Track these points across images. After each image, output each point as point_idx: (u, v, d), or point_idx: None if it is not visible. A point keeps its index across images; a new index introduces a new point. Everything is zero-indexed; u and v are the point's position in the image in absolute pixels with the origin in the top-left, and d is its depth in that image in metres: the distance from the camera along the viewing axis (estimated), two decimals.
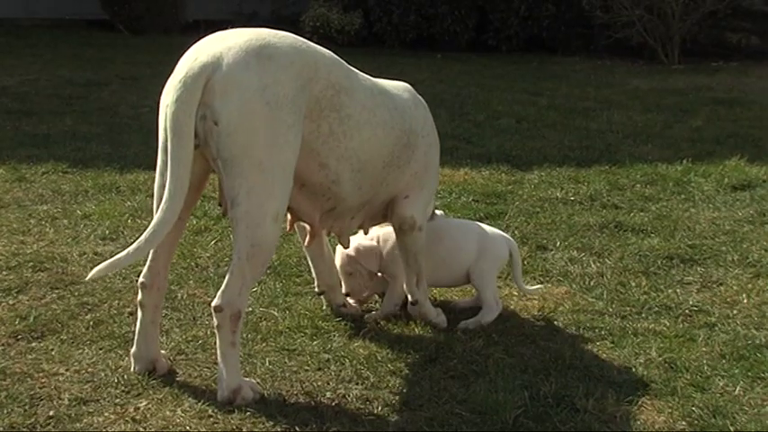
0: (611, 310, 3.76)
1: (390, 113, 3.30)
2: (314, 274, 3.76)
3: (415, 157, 3.44)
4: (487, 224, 4.83)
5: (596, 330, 3.56)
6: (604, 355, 3.35)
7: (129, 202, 5.09)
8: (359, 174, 3.21)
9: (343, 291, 3.72)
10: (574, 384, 3.07)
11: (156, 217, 2.87)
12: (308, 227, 3.54)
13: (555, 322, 3.64)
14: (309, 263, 3.77)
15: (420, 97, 3.57)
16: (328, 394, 3.02)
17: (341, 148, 3.11)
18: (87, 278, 3.04)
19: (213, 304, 2.93)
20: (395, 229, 3.55)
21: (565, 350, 3.35)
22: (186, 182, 2.86)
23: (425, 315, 3.59)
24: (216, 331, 2.94)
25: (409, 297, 3.63)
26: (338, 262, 3.71)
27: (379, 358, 3.29)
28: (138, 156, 6.06)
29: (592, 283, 4.05)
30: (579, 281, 4.09)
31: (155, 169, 3.03)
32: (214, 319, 2.94)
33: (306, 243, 3.68)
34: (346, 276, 3.69)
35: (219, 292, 2.94)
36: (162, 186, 2.90)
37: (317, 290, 3.76)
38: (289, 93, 2.90)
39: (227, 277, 2.96)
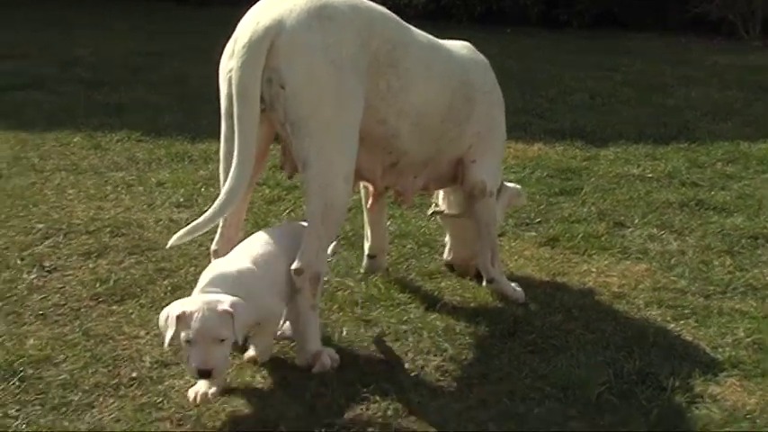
0: (693, 288, 3.69)
1: (446, 66, 3.30)
2: (367, 237, 3.79)
3: (475, 114, 3.42)
4: (563, 200, 4.82)
5: (679, 309, 3.49)
6: (689, 335, 3.29)
7: (201, 171, 5.15)
8: (417, 127, 3.21)
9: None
10: (658, 363, 3.02)
11: (227, 183, 2.90)
12: (370, 187, 3.56)
13: (635, 300, 3.59)
14: (366, 225, 3.79)
15: (481, 55, 3.55)
16: (407, 365, 3.02)
17: (399, 103, 3.11)
18: (168, 245, 3.09)
19: (293, 267, 2.96)
20: (467, 198, 3.54)
21: (647, 328, 3.30)
22: (254, 147, 2.88)
23: (503, 291, 3.57)
24: (297, 295, 2.96)
25: (484, 276, 3.61)
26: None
27: (457, 331, 3.28)
28: (210, 126, 6.07)
29: (673, 262, 3.98)
30: (659, 259, 4.02)
31: None
32: (294, 282, 2.96)
33: (368, 205, 3.70)
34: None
35: (298, 255, 2.97)
36: (228, 154, 2.93)
37: (367, 252, 3.79)
38: (351, 51, 2.92)
39: (303, 240, 3.00)
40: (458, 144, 3.43)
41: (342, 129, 2.93)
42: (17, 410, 2.65)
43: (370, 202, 3.71)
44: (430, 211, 3.96)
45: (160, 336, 3.13)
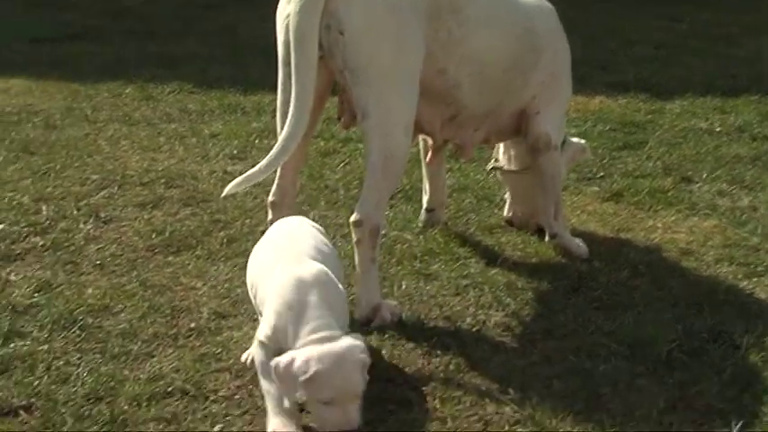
0: (767, 246, 3.60)
1: (510, 13, 3.23)
2: (426, 191, 3.76)
3: (540, 64, 3.35)
4: (626, 154, 4.72)
5: (751, 266, 3.41)
6: (762, 293, 3.21)
7: (254, 123, 5.15)
8: (479, 77, 3.15)
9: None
10: (730, 321, 2.95)
11: (284, 132, 2.88)
12: (429, 140, 3.52)
13: (705, 257, 3.51)
14: (425, 179, 3.76)
15: (546, 2, 3.47)
16: (468, 320, 3.00)
17: (460, 51, 3.06)
18: (223, 194, 3.09)
19: (352, 219, 2.94)
20: (530, 151, 3.48)
21: (718, 285, 3.23)
22: (312, 94, 2.84)
23: (566, 247, 3.51)
24: (355, 247, 2.95)
25: (547, 231, 3.56)
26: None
27: (519, 286, 3.24)
28: (262, 78, 6.09)
29: (744, 218, 3.88)
30: (729, 215, 3.92)
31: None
32: (353, 234, 2.94)
33: (427, 158, 3.67)
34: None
35: (357, 207, 2.95)
36: (285, 102, 2.91)
37: (425, 206, 3.76)
38: None
39: (362, 191, 2.98)
40: (521, 95, 3.36)
41: (402, 76, 2.89)
42: (78, 359, 2.69)
43: (428, 155, 3.67)
44: (489, 167, 3.90)
45: (218, 287, 3.17)
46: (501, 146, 3.74)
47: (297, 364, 2.25)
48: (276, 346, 2.37)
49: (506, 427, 2.39)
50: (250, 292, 2.67)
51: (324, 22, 2.81)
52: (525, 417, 2.43)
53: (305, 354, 2.26)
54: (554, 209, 3.50)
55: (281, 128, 2.92)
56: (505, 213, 3.81)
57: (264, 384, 2.37)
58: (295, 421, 2.32)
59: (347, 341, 2.31)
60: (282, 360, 2.27)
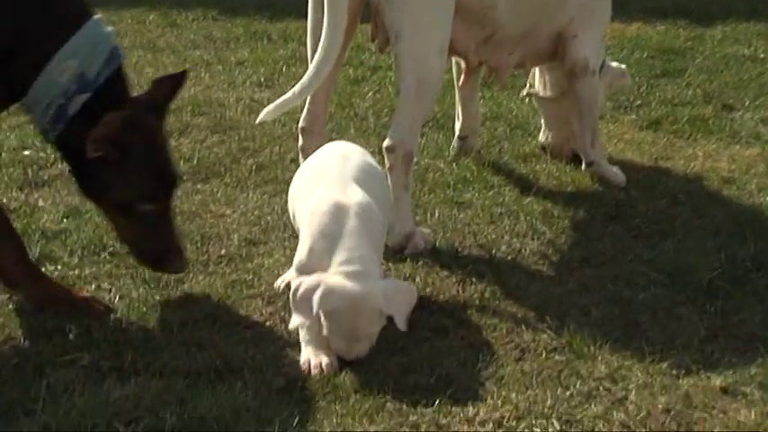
0: None
1: None
2: (458, 118, 3.72)
3: None
4: (665, 82, 4.64)
5: None
6: None
7: (281, 50, 5.10)
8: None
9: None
10: None
11: (317, 56, 2.85)
12: (462, 63, 3.46)
13: (747, 185, 3.45)
14: (458, 105, 3.72)
15: None
16: (503, 248, 2.98)
17: None
18: (257, 120, 3.11)
19: (385, 145, 2.91)
20: (567, 76, 3.42)
21: (761, 214, 3.19)
22: (344, 16, 2.81)
23: (603, 175, 3.47)
24: (388, 173, 2.92)
25: (583, 158, 3.51)
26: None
27: (555, 214, 3.21)
28: (287, 5, 6.02)
29: None
30: None
31: (305, 18, 3.02)
32: (386, 160, 2.92)
33: (460, 82, 3.61)
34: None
35: (390, 132, 2.93)
36: (316, 26, 2.87)
37: (458, 134, 3.72)
38: None
39: (395, 116, 2.96)
40: (558, 16, 3.29)
41: None
42: (109, 284, 2.70)
43: (462, 79, 3.61)
44: (524, 92, 3.84)
45: (248, 215, 3.17)
46: (536, 71, 3.67)
47: (318, 293, 2.25)
48: (309, 270, 2.37)
49: (543, 355, 2.38)
50: (290, 212, 2.67)
51: None
52: (562, 344, 2.42)
53: (329, 285, 2.26)
54: (591, 136, 3.44)
55: (313, 52, 2.88)
56: (540, 139, 3.76)
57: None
58: (326, 350, 2.32)
59: (372, 284, 2.30)
60: (305, 283, 2.27)
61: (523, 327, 2.51)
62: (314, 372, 2.28)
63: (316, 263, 2.35)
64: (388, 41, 3.01)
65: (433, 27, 2.87)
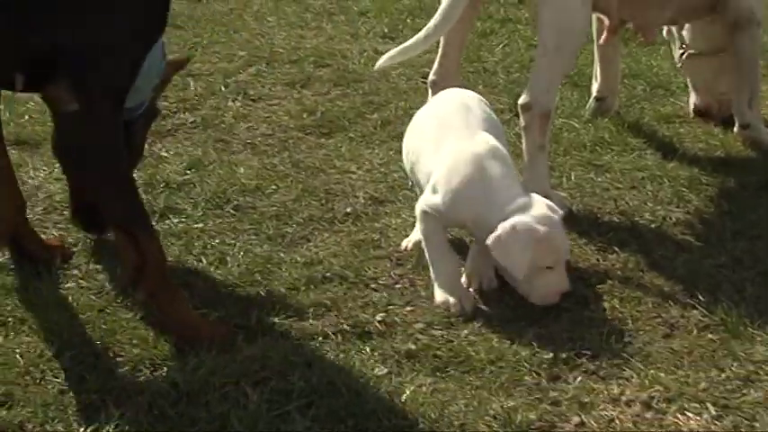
0: None
1: None
2: (597, 78, 3.56)
3: None
4: None
5: None
6: None
7: (405, 0, 4.99)
8: None
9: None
10: None
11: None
12: (605, 20, 3.30)
13: None
14: (596, 64, 3.56)
15: None
16: (646, 215, 2.84)
17: None
18: (376, 66, 3.07)
19: (520, 102, 2.81)
20: (727, 29, 3.22)
21: None
22: None
23: (757, 139, 3.27)
24: (522, 133, 2.83)
25: (737, 120, 3.32)
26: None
27: (703, 181, 3.05)
28: None
29: None
30: None
31: None
32: (521, 118, 2.81)
33: (602, 40, 3.44)
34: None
35: (526, 88, 2.82)
36: None
37: (595, 94, 3.57)
38: None
39: (532, 71, 2.86)
40: None
41: None
42: (233, 239, 2.68)
43: (603, 36, 3.43)
44: (679, 53, 3.60)
45: (373, 171, 3.11)
46: (686, 27, 3.48)
47: (520, 231, 2.27)
48: (449, 221, 2.42)
49: (695, 332, 2.26)
50: (405, 162, 2.65)
51: None
52: (716, 322, 2.29)
53: (522, 221, 2.28)
54: (750, 95, 3.24)
55: None
56: (694, 102, 3.55)
57: (433, 254, 2.42)
58: (461, 292, 2.38)
59: (544, 206, 2.35)
60: (503, 231, 2.27)
61: (671, 302, 2.39)
62: (453, 309, 2.33)
63: (461, 212, 2.38)
64: None
65: None
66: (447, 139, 2.47)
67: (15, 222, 2.46)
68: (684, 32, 3.49)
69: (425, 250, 2.44)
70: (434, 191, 2.41)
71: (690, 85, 3.57)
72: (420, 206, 2.45)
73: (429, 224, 2.42)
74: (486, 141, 2.43)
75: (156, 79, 2.55)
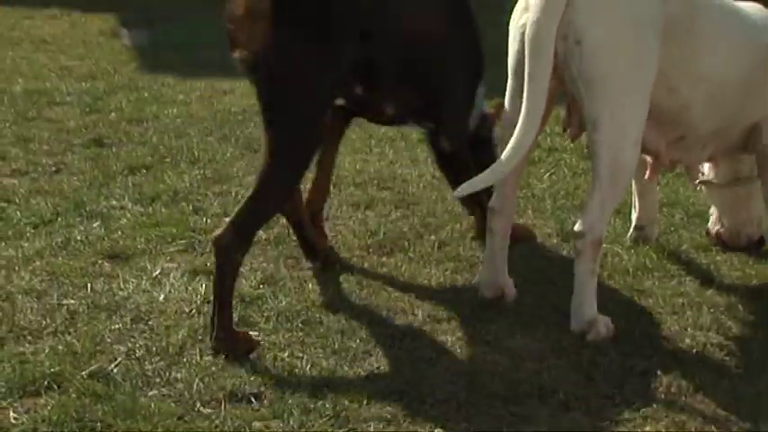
0: None
1: (744, 30, 3.04)
2: (635, 207, 3.58)
3: None
4: None
5: None
6: None
7: None
8: (712, 99, 2.97)
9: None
10: None
11: (514, 137, 2.81)
12: (649, 159, 3.33)
13: None
14: (635, 195, 3.58)
15: None
16: (687, 341, 2.81)
17: (693, 71, 2.90)
18: (455, 193, 3.05)
19: (575, 229, 2.83)
20: (759, 162, 3.22)
21: None
22: (543, 103, 2.78)
23: None
24: (575, 258, 2.83)
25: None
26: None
27: (740, 308, 3.02)
28: None
29: None
30: None
31: None
32: (574, 245, 2.84)
33: (647, 176, 3.46)
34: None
35: (581, 217, 2.84)
36: (514, 95, 2.87)
37: (635, 223, 3.58)
38: (651, 11, 2.78)
39: (587, 202, 2.87)
40: (754, 111, 3.13)
41: (636, 91, 2.78)
42: (301, 351, 2.70)
43: (647, 174, 3.46)
44: (697, 181, 3.64)
45: (431, 291, 3.13)
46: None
47: None
48: None
49: None
50: None
51: (560, 32, 2.72)
52: None
53: None
54: None
55: (509, 135, 2.85)
56: (714, 228, 3.56)
57: None
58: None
59: None
60: None
61: (714, 427, 2.34)
62: None
63: None
64: (581, 131, 2.95)
65: (630, 119, 2.80)
66: None
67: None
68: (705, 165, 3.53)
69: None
70: None
71: (713, 212, 3.58)
72: None
73: None
74: None
75: None
